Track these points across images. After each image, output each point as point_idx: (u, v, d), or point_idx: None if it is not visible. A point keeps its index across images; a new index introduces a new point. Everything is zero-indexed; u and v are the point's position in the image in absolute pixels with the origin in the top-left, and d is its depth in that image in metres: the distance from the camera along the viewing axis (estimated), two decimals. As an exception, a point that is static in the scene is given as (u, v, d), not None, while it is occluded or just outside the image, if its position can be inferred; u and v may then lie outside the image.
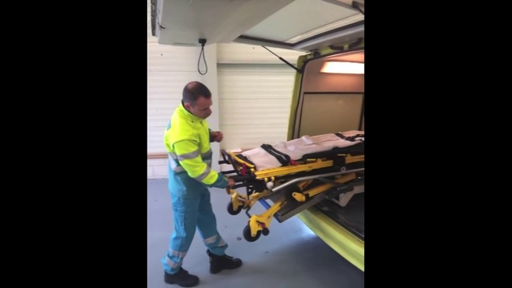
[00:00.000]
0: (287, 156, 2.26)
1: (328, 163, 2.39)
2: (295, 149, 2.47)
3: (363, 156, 2.50)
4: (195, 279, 2.39)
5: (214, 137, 2.33)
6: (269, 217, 2.33)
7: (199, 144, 2.01)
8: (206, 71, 2.15)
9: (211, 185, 2.02)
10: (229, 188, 2.08)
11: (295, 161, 2.27)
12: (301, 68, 3.00)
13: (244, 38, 2.47)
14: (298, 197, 2.35)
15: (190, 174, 1.97)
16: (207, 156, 2.12)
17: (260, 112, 5.36)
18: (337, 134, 2.92)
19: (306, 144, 2.59)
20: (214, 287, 2.36)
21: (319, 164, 2.36)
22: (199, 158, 1.96)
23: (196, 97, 1.95)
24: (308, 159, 2.32)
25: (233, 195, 2.61)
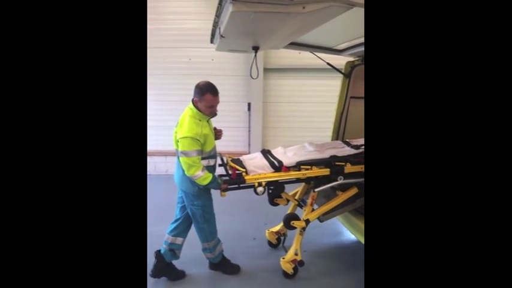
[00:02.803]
0: (280, 162, 2.28)
1: (325, 171, 2.33)
2: (293, 155, 2.45)
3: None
4: (237, 268, 2.53)
5: (216, 134, 2.35)
6: (296, 251, 2.40)
7: (204, 144, 2.09)
8: (258, 76, 2.31)
9: (204, 186, 2.11)
10: (221, 191, 2.18)
11: (287, 167, 2.27)
12: (349, 73, 3.04)
13: (294, 45, 2.60)
14: (298, 224, 2.37)
15: (185, 171, 2.07)
16: (211, 155, 2.20)
17: (303, 115, 5.44)
18: (345, 142, 2.83)
19: (307, 151, 2.55)
20: (252, 280, 2.49)
21: (315, 172, 2.32)
22: (197, 159, 2.05)
23: (204, 93, 2.07)
24: (302, 167, 2.30)
25: (266, 233, 2.85)
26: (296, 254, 2.41)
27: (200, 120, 2.10)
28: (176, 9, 5.13)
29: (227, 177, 2.27)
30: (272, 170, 2.27)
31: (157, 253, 2.41)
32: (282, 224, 2.73)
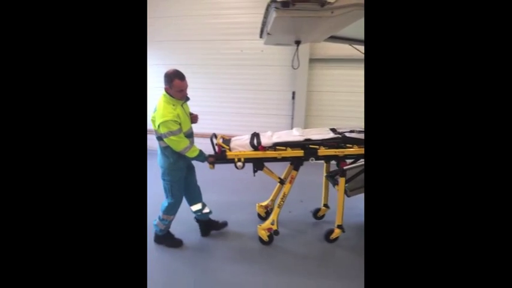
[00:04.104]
0: (258, 143, 2.62)
1: (299, 153, 2.62)
2: (277, 138, 2.72)
3: (341, 150, 2.62)
4: (179, 242, 2.83)
5: (192, 118, 2.63)
6: (273, 222, 2.74)
7: (180, 124, 2.34)
8: (298, 66, 2.66)
9: (193, 159, 2.48)
10: (209, 163, 2.56)
11: (264, 147, 2.60)
12: (386, 63, 3.20)
13: (333, 38, 2.86)
14: (336, 234, 2.78)
15: (175, 148, 2.35)
16: (188, 135, 2.48)
17: (345, 105, 5.59)
18: (331, 129, 2.98)
19: (292, 135, 2.80)
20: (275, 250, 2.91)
21: (289, 152, 2.62)
22: (182, 134, 2.35)
23: (173, 79, 2.29)
24: (278, 147, 2.61)
25: (256, 207, 3.23)
26: (272, 224, 2.75)
27: (174, 105, 2.35)
28: (229, 5, 5.61)
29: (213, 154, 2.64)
30: (251, 148, 2.63)
31: (196, 219, 2.99)
32: (270, 199, 3.20)
